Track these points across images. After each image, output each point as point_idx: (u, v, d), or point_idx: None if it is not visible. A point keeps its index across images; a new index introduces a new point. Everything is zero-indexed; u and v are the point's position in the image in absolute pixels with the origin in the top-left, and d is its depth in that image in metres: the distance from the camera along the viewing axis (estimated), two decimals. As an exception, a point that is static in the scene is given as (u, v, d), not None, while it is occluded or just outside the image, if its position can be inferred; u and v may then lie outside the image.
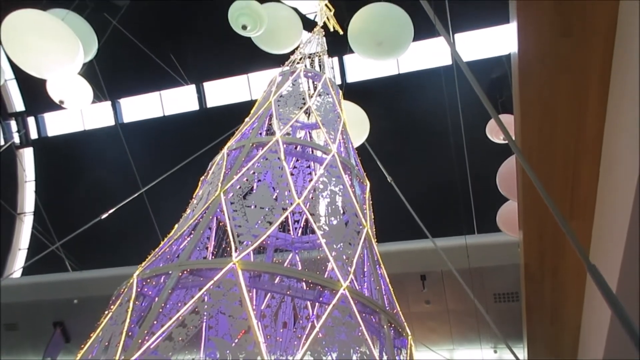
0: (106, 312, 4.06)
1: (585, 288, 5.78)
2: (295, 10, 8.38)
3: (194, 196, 5.20)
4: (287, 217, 4.90)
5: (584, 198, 4.18)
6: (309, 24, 8.99)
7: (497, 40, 13.03)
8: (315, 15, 8.35)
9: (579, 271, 5.53)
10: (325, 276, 4.28)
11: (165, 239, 4.57)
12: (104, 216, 8.90)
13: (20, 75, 15.39)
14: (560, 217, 3.11)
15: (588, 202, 4.15)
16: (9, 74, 15.17)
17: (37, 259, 10.70)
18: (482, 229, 11.03)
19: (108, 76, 13.61)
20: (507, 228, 7.61)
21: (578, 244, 2.95)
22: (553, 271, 5.68)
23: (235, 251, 3.81)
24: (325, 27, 7.78)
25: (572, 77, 3.66)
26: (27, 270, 14.75)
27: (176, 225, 4.79)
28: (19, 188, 17.58)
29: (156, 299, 3.64)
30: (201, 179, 5.44)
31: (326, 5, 7.76)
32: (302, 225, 5.61)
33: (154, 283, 3.96)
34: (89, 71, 9.14)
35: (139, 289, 3.92)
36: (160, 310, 3.48)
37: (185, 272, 3.77)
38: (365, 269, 4.58)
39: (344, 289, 3.79)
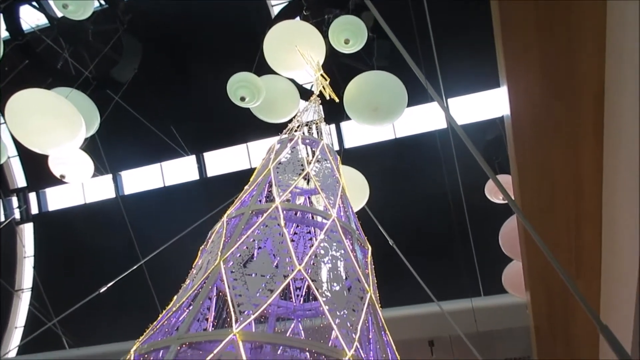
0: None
1: (599, 349, 5.58)
2: (292, 80, 8.63)
3: (193, 266, 5.13)
4: (288, 285, 4.80)
5: (588, 258, 4.12)
6: (305, 93, 9.24)
7: (490, 104, 13.37)
8: (312, 85, 8.58)
9: (591, 332, 5.35)
10: (329, 344, 4.14)
11: (164, 312, 4.46)
12: (102, 290, 8.72)
13: (23, 152, 15.66)
14: (567, 277, 3.05)
15: (594, 261, 4.08)
16: (12, 150, 15.42)
17: (34, 337, 10.41)
18: (489, 291, 10.81)
19: (109, 149, 13.83)
20: (513, 289, 7.45)
21: (587, 305, 2.88)
22: (564, 333, 5.50)
23: (236, 322, 3.71)
24: (321, 95, 7.96)
25: (565, 139, 3.70)
26: (23, 349, 14.34)
27: (175, 297, 4.68)
28: (17, 264, 17.42)
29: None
30: (201, 248, 5.39)
31: (322, 75, 8.00)
32: (304, 292, 5.49)
33: (151, 358, 3.82)
34: (90, 145, 9.28)
35: (136, 365, 3.78)
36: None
37: (184, 345, 3.64)
38: (370, 336, 4.43)
39: (349, 359, 3.66)
